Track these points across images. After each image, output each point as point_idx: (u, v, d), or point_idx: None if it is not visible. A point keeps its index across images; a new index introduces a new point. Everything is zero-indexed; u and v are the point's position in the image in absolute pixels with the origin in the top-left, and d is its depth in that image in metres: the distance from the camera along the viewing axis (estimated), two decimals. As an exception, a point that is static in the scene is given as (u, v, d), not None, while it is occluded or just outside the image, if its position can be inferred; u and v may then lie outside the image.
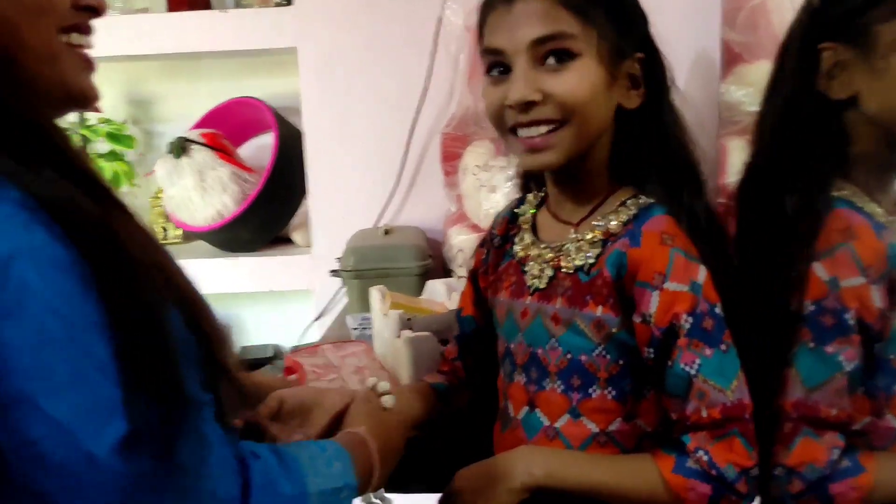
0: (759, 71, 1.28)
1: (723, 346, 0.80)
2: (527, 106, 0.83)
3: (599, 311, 0.84)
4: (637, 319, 0.82)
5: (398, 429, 0.86)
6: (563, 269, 0.88)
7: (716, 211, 0.89)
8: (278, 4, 1.95)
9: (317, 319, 1.95)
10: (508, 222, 1.00)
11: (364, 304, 1.58)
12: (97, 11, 0.67)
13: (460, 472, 0.88)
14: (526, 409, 0.90)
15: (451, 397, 1.03)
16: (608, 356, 0.84)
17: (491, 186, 1.60)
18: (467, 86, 1.63)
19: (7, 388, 0.51)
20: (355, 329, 1.51)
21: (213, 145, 1.93)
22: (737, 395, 0.79)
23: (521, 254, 0.94)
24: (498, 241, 1.01)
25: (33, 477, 0.53)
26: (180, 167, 1.90)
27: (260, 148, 2.12)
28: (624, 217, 0.86)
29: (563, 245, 0.89)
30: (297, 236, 2.03)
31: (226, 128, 2.02)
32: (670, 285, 0.80)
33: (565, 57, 0.82)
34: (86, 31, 0.67)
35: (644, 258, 0.82)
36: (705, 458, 0.79)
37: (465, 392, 1.03)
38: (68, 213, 0.54)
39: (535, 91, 0.82)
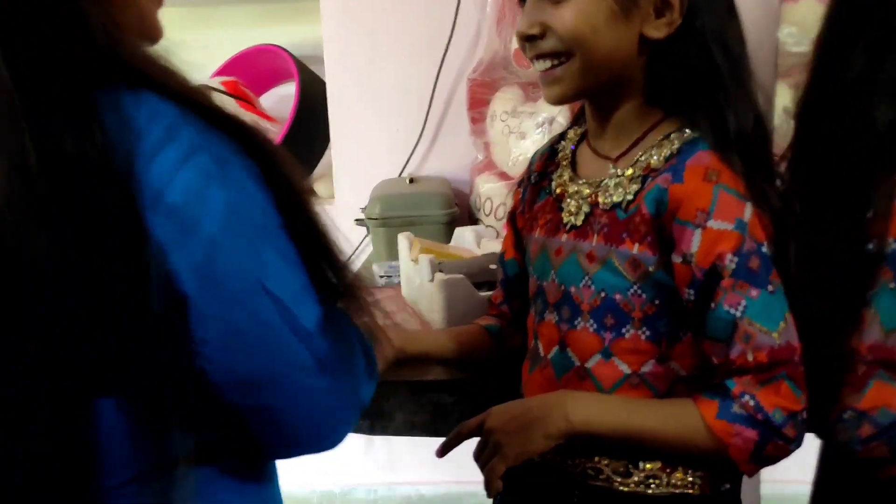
0: (806, 9, 1.24)
1: (770, 287, 0.77)
2: (529, 39, 0.83)
3: (636, 248, 0.81)
4: (677, 259, 0.79)
5: None
6: (601, 206, 0.85)
7: (770, 145, 0.84)
8: (299, -52, 1.90)
9: (340, 271, 1.93)
10: (548, 158, 0.98)
11: (390, 252, 1.56)
12: None
13: (493, 411, 0.86)
14: (556, 348, 0.88)
15: (504, 338, 1.02)
16: (644, 295, 0.82)
17: (520, 133, 1.56)
18: (495, 29, 1.58)
19: (239, 275, 0.55)
20: (382, 277, 1.49)
21: (235, 93, 1.90)
22: (784, 337, 0.76)
23: (559, 190, 0.91)
24: (535, 178, 0.98)
25: (258, 360, 0.57)
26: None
27: (281, 98, 2.09)
28: (666, 151, 0.82)
29: (601, 181, 0.86)
30: (319, 187, 2.00)
31: (246, 77, 1.99)
32: (714, 223, 0.77)
33: None
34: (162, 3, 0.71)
35: (686, 195, 0.78)
36: (751, 402, 0.76)
37: (518, 333, 1.01)
38: (243, 131, 0.58)
39: (534, 25, 0.82)
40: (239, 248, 0.55)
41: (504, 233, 1.32)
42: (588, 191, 0.87)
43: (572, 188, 0.90)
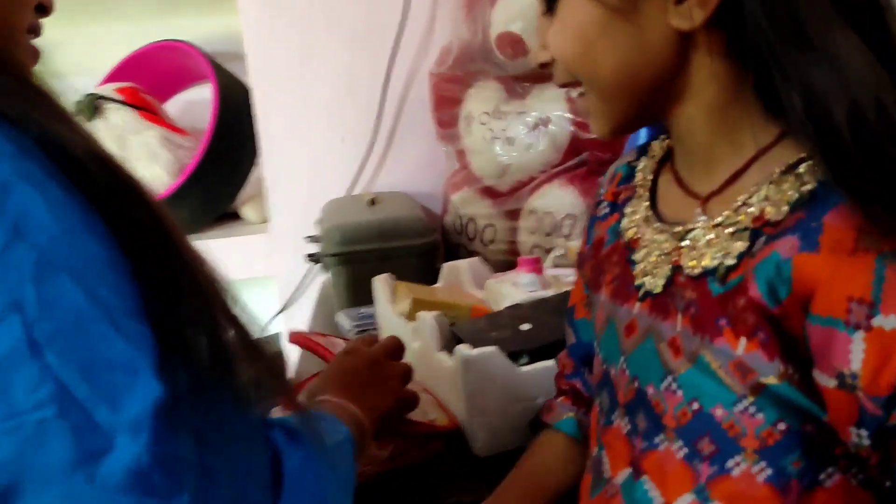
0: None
1: None
2: (544, 67, 0.62)
3: (741, 347, 0.53)
4: (827, 382, 0.50)
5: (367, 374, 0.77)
6: (685, 271, 0.57)
7: None
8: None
9: (281, 311, 1.61)
10: (621, 181, 0.69)
11: (356, 296, 1.25)
12: (48, 10, 0.65)
13: None
14: (628, 471, 0.60)
15: (587, 433, 0.72)
16: (760, 415, 0.53)
17: (507, 138, 1.27)
18: (464, 13, 1.28)
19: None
20: (350, 330, 1.18)
21: (134, 103, 1.55)
22: None
23: (631, 233, 0.63)
24: (605, 210, 0.69)
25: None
26: (94, 132, 1.49)
27: (191, 104, 1.75)
28: (792, 194, 0.52)
29: (688, 230, 0.58)
30: (247, 211, 1.67)
31: (145, 81, 1.63)
32: (886, 321, 0.48)
33: None
34: (38, 30, 0.66)
35: (827, 274, 0.49)
36: None
37: None
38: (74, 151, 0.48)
39: (543, 48, 0.62)
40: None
41: (523, 270, 1.04)
42: (669, 244, 0.59)
43: (649, 234, 0.61)
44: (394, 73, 1.51)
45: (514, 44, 1.21)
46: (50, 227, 0.46)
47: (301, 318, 1.59)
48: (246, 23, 1.52)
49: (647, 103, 0.58)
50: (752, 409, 0.53)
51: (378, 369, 0.79)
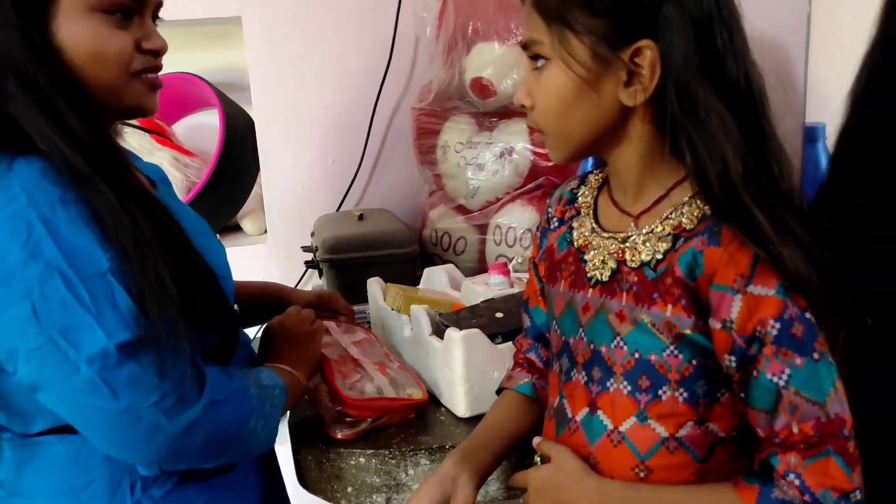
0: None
1: (815, 355, 0.73)
2: (523, 107, 0.84)
3: (669, 310, 0.77)
4: (716, 325, 0.75)
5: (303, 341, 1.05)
6: (628, 263, 0.81)
7: (797, 199, 0.78)
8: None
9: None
10: (566, 203, 0.93)
11: (348, 295, 1.45)
12: (160, 52, 0.88)
13: (529, 477, 0.86)
14: (586, 410, 0.84)
15: (541, 399, 0.96)
16: (680, 356, 0.78)
17: (478, 165, 1.51)
18: (443, 58, 1.52)
19: (14, 318, 0.76)
20: (346, 324, 1.40)
21: (148, 127, 1.74)
22: (833, 408, 0.72)
23: (581, 241, 0.87)
24: (555, 224, 0.93)
25: (33, 372, 0.77)
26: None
27: (191, 128, 1.94)
28: (698, 212, 0.78)
29: (628, 236, 0.82)
30: (246, 224, 1.87)
31: (156, 107, 1.83)
32: (754, 289, 0.73)
33: (541, 62, 0.80)
34: (154, 69, 0.88)
35: (724, 259, 0.74)
36: (797, 482, 0.72)
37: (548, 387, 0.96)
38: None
39: (526, 95, 0.82)
40: (18, 292, 0.74)
41: (498, 273, 1.28)
42: (614, 246, 0.83)
43: (595, 240, 0.86)
44: (379, 106, 1.73)
45: (483, 88, 1.45)
46: (52, 247, 0.74)
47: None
48: (251, 58, 1.72)
49: (593, 145, 0.82)
50: (675, 352, 0.78)
51: (304, 326, 1.06)
